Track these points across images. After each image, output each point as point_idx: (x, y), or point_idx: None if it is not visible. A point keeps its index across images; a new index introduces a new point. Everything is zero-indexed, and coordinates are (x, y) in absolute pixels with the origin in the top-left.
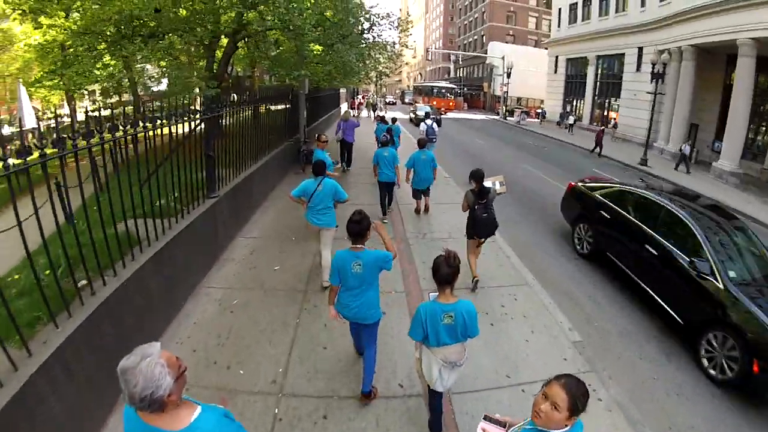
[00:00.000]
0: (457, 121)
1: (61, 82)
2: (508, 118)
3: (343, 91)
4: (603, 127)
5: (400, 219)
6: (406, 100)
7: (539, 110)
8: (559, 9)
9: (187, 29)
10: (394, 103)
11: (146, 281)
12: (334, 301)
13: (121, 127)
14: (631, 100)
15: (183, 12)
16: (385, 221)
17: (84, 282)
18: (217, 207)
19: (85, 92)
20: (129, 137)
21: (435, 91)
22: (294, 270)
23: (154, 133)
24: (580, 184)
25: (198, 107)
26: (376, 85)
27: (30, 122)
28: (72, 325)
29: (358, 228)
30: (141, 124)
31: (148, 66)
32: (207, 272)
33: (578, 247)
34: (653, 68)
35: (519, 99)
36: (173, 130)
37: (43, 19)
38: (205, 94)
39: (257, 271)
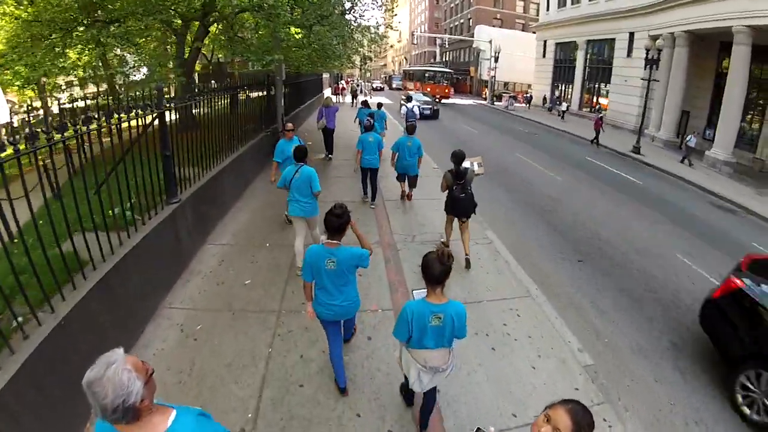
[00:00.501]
0: (444, 106)
1: (10, 77)
2: (495, 102)
3: (326, 76)
4: (601, 115)
5: (385, 215)
6: (394, 86)
7: (526, 95)
8: None
9: (150, 12)
10: (382, 89)
11: (94, 311)
12: (311, 297)
13: (41, 132)
14: (622, 86)
15: None
16: (365, 200)
17: (14, 324)
18: (180, 213)
19: (62, 84)
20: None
21: (428, 75)
22: (267, 284)
23: (88, 136)
24: (751, 284)
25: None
26: (360, 70)
27: (3, 117)
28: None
29: (338, 222)
30: (72, 127)
31: (127, 54)
32: (170, 289)
33: (746, 408)
34: (647, 54)
35: (506, 83)
36: (119, 128)
37: None
38: (158, 86)
39: (225, 286)
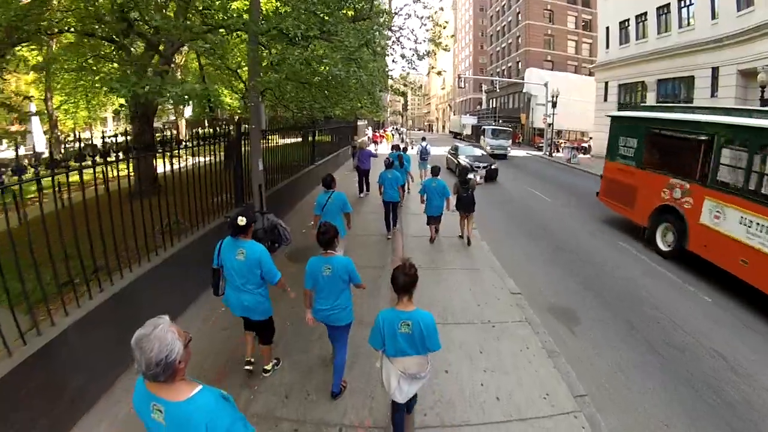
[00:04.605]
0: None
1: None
2: (554, 154)
3: (362, 123)
4: None
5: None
6: (490, 143)
7: (584, 145)
8: (607, 28)
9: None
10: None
11: None
12: (310, 305)
13: None
14: None
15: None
16: (389, 237)
17: None
18: None
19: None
20: None
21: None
22: None
23: None
24: None
25: None
26: (401, 116)
27: (39, 146)
28: None
29: (326, 238)
30: None
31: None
32: None
33: None
34: (762, 92)
35: (560, 131)
36: None
37: None
38: None
39: None
